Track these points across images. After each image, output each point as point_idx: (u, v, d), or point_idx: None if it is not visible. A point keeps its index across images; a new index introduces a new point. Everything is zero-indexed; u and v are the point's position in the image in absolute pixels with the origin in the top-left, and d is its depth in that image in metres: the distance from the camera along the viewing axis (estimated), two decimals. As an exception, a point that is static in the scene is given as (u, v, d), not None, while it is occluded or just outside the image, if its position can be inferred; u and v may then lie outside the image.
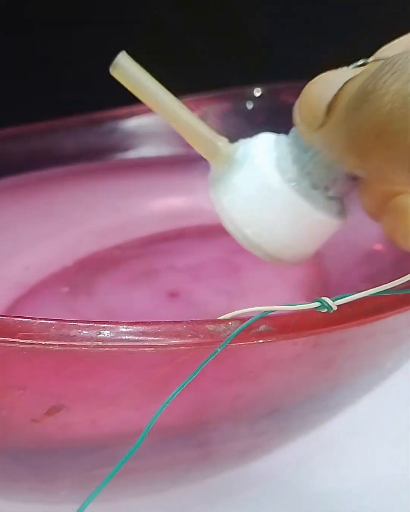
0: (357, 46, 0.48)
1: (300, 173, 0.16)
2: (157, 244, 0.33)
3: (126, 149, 0.40)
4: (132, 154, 0.40)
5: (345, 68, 0.14)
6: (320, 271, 0.29)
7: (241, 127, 0.40)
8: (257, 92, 0.40)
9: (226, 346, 0.16)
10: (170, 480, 0.24)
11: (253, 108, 0.40)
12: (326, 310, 0.15)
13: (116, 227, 0.34)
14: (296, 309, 0.15)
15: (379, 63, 0.12)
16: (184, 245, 0.33)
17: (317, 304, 0.15)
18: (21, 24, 0.46)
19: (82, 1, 0.45)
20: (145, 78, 0.18)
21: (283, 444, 0.26)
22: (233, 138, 0.41)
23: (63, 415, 0.17)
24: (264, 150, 0.17)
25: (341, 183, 0.16)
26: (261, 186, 0.17)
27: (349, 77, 0.13)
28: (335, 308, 0.15)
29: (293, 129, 0.17)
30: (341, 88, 0.13)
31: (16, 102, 0.44)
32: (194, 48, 0.47)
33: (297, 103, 0.15)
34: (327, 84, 0.14)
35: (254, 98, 0.40)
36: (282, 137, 0.18)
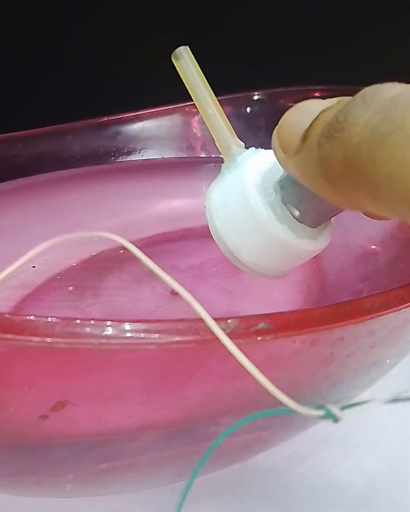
0: (355, 51, 0.48)
1: (275, 194, 0.17)
2: (161, 245, 0.33)
3: (131, 152, 0.40)
4: (136, 157, 0.40)
5: (323, 100, 0.15)
6: (318, 270, 0.29)
7: (241, 130, 0.41)
8: (257, 97, 0.40)
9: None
10: (174, 474, 0.24)
11: (252, 112, 0.40)
12: (331, 419, 0.14)
13: (121, 228, 0.35)
14: (298, 411, 0.15)
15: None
16: (187, 246, 0.33)
17: (321, 412, 0.15)
18: (28, 33, 0.47)
19: (88, 9, 0.46)
20: (196, 72, 0.20)
21: (285, 439, 0.26)
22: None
23: (68, 411, 0.18)
24: (258, 163, 0.17)
25: (308, 206, 0.16)
26: (237, 186, 0.17)
27: (325, 107, 0.14)
28: (341, 418, 0.14)
29: None
30: (316, 117, 0.14)
31: (25, 107, 0.45)
32: (197, 53, 0.47)
33: (275, 130, 0.16)
34: (304, 113, 0.14)
35: (253, 103, 0.40)
36: None
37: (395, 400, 0.14)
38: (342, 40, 0.47)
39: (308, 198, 0.16)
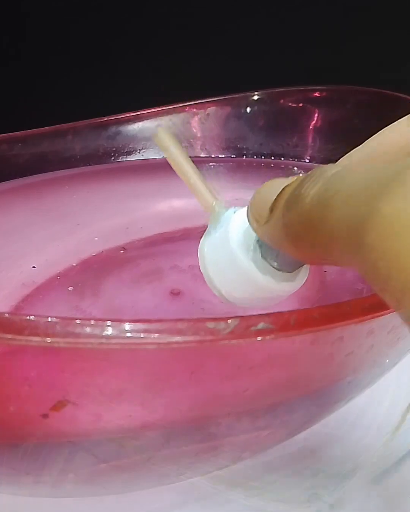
0: (355, 51, 0.48)
1: (255, 251, 0.19)
2: (161, 245, 0.33)
3: (131, 152, 0.41)
4: (136, 157, 0.40)
5: (286, 178, 0.17)
6: (318, 270, 0.29)
7: (241, 130, 0.41)
8: (257, 97, 0.40)
9: (227, 343, 0.16)
10: (175, 474, 0.24)
11: (252, 112, 0.40)
12: None
13: (121, 228, 0.35)
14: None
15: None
16: (188, 246, 0.33)
17: None
18: (29, 33, 0.47)
19: (88, 9, 0.46)
20: (178, 150, 0.23)
21: (285, 438, 0.26)
22: (233, 141, 0.42)
23: (68, 410, 0.18)
24: (238, 222, 0.20)
25: (284, 260, 0.19)
26: (223, 246, 0.20)
27: (286, 184, 0.16)
28: None
29: None
30: (279, 192, 0.16)
31: (25, 107, 0.45)
32: (197, 53, 0.47)
33: (249, 203, 0.18)
34: (271, 189, 0.17)
35: (253, 103, 0.40)
36: None
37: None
38: (342, 40, 0.47)
39: (282, 253, 0.19)
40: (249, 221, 0.18)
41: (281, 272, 0.19)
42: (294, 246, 0.16)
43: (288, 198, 0.16)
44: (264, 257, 0.19)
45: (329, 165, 0.16)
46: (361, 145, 0.20)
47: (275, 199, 0.16)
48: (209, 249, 0.21)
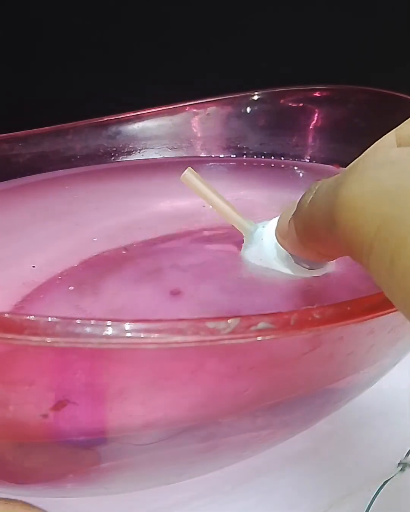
0: (355, 51, 0.48)
1: (288, 259, 0.24)
2: (162, 244, 0.33)
3: (131, 152, 0.41)
4: (136, 157, 0.40)
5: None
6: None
7: (242, 130, 0.41)
8: (257, 97, 0.40)
9: (227, 343, 0.16)
10: (175, 473, 0.24)
11: (252, 112, 0.40)
12: None
13: (122, 227, 0.35)
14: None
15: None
16: (188, 245, 0.33)
17: None
18: (29, 33, 0.47)
19: (89, 9, 0.46)
20: (205, 185, 0.27)
21: (286, 438, 0.26)
22: (234, 141, 0.42)
23: (68, 410, 0.18)
24: (269, 234, 0.25)
25: (312, 264, 0.24)
26: (264, 259, 0.25)
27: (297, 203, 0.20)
28: None
29: None
30: (296, 206, 0.20)
31: (25, 107, 0.45)
32: (198, 53, 0.47)
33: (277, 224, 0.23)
34: (290, 209, 0.21)
35: (253, 103, 0.40)
36: None
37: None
38: (342, 40, 0.47)
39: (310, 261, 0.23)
40: (276, 238, 0.23)
41: (312, 269, 0.24)
42: (307, 248, 0.20)
43: (295, 209, 0.19)
44: (296, 262, 0.24)
45: (322, 180, 0.18)
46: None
47: (292, 216, 0.20)
48: (249, 257, 0.26)
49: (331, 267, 0.25)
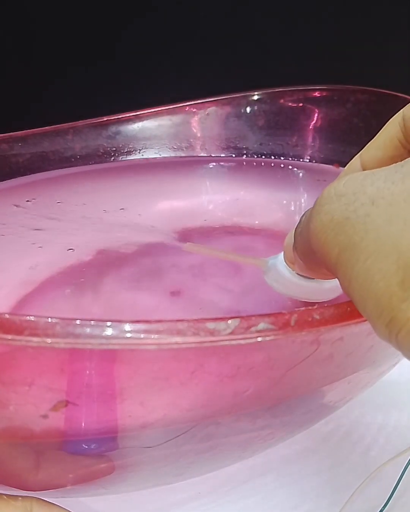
0: (355, 51, 0.48)
1: (304, 278, 0.25)
2: (161, 244, 0.33)
3: (131, 152, 0.41)
4: (136, 157, 0.40)
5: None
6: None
7: (241, 130, 0.41)
8: (257, 97, 0.40)
9: (226, 343, 0.16)
10: (175, 473, 0.24)
11: (252, 112, 0.40)
12: None
13: (122, 227, 0.35)
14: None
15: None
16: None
17: None
18: (29, 33, 0.47)
19: (88, 9, 0.46)
20: (205, 249, 0.28)
21: (286, 438, 0.26)
22: (233, 140, 0.42)
23: (68, 410, 0.18)
24: (282, 267, 0.26)
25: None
26: (282, 279, 0.26)
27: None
28: None
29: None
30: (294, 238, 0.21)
31: (25, 107, 0.45)
32: (198, 53, 0.47)
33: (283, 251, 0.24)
34: (289, 237, 0.22)
35: (253, 103, 0.40)
36: None
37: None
38: (342, 40, 0.47)
39: None
40: (286, 264, 0.25)
41: (326, 284, 0.25)
42: (314, 272, 0.21)
43: (294, 241, 0.21)
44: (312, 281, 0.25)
45: (316, 201, 0.19)
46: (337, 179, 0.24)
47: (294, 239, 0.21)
48: (271, 281, 0.27)
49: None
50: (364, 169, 0.22)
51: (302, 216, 0.20)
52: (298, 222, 0.20)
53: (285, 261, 0.25)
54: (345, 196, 0.16)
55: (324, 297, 0.27)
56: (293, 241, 0.21)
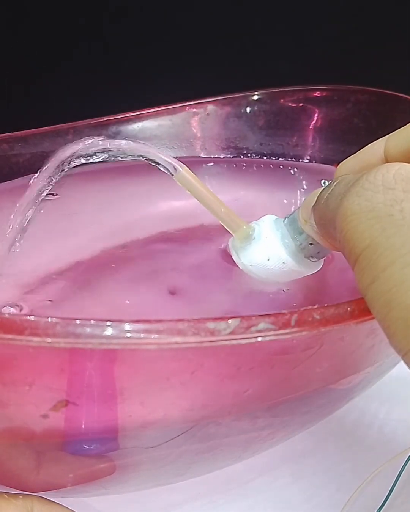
0: (355, 51, 0.48)
1: (297, 249, 0.24)
2: (161, 244, 0.33)
3: (131, 151, 0.40)
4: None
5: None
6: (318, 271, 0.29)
7: (241, 130, 0.41)
8: (257, 97, 0.40)
9: (227, 343, 0.16)
10: (175, 473, 0.24)
11: (252, 112, 0.40)
12: None
13: (121, 227, 0.35)
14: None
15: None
16: (187, 245, 0.33)
17: None
18: (29, 32, 0.47)
19: (88, 8, 0.46)
20: (197, 182, 0.26)
21: (286, 438, 0.26)
22: (233, 141, 0.42)
23: (68, 410, 0.18)
24: (271, 230, 0.25)
25: (322, 254, 0.24)
26: (273, 257, 0.24)
27: (320, 191, 0.20)
28: None
29: (290, 216, 0.24)
30: (317, 195, 0.20)
31: (25, 107, 0.45)
32: (198, 53, 0.47)
33: (300, 208, 0.24)
34: (313, 196, 0.21)
35: (253, 103, 0.40)
36: (279, 219, 0.25)
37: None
38: (342, 40, 0.47)
39: (322, 251, 0.24)
40: (298, 221, 0.23)
41: (313, 262, 0.25)
42: (320, 235, 0.22)
43: (315, 201, 0.20)
44: (306, 256, 0.24)
45: (337, 179, 0.20)
46: (353, 155, 0.24)
47: (314, 202, 0.21)
48: (251, 259, 0.25)
49: (320, 263, 0.26)
50: (386, 156, 0.22)
51: (334, 180, 0.19)
52: (330, 183, 0.20)
53: (298, 217, 0.23)
54: (394, 191, 0.15)
55: (285, 278, 0.25)
56: (314, 201, 0.20)
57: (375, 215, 0.15)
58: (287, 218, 0.25)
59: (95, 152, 0.27)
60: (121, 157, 0.27)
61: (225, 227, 0.26)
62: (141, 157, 0.27)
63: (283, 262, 0.24)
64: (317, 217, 0.20)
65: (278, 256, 0.24)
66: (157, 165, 0.26)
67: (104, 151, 0.27)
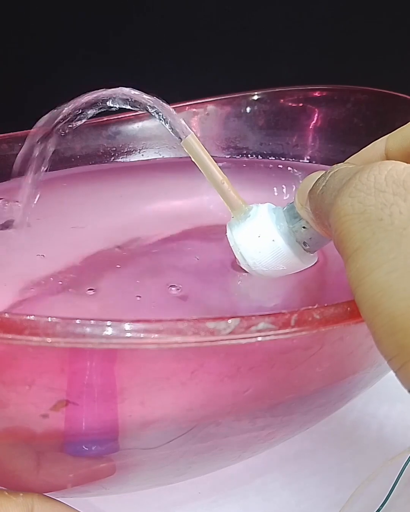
0: (355, 51, 0.48)
1: (290, 231, 0.24)
2: (161, 244, 0.33)
3: (131, 152, 0.41)
4: (136, 157, 0.40)
5: (320, 172, 0.21)
6: (317, 271, 0.29)
7: (241, 130, 0.41)
8: (257, 97, 0.40)
9: (227, 343, 0.16)
10: (175, 473, 0.24)
11: (252, 112, 0.40)
12: None
13: (122, 226, 0.35)
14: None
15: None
16: (187, 245, 0.33)
17: None
18: (29, 32, 0.47)
19: (88, 8, 0.46)
20: (203, 152, 0.27)
21: (286, 438, 0.26)
22: (233, 140, 0.42)
23: (68, 410, 0.18)
24: (268, 211, 0.25)
25: (314, 241, 0.24)
26: (263, 234, 0.24)
27: (318, 177, 0.20)
28: None
29: (289, 204, 0.25)
30: (313, 184, 0.20)
31: (25, 107, 0.45)
32: (198, 53, 0.47)
33: (296, 191, 0.24)
34: (310, 180, 0.22)
35: (253, 103, 0.40)
36: (279, 207, 0.26)
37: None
38: (342, 40, 0.47)
39: (314, 237, 0.24)
40: (295, 204, 0.24)
41: (306, 252, 0.24)
42: (315, 223, 0.22)
43: (311, 188, 0.20)
44: (298, 241, 0.24)
45: (334, 167, 0.20)
46: (355, 154, 0.24)
47: (311, 188, 0.21)
48: (243, 235, 0.25)
49: (315, 256, 0.26)
50: (387, 155, 0.22)
51: (331, 168, 0.19)
52: (326, 172, 0.20)
53: (296, 202, 0.23)
54: (384, 193, 0.15)
55: (276, 265, 0.25)
56: (311, 185, 0.20)
57: (366, 218, 0.15)
58: (286, 205, 0.25)
59: (118, 99, 0.27)
60: (138, 108, 0.27)
61: (224, 202, 0.26)
62: (156, 113, 0.27)
63: (273, 240, 0.24)
64: (313, 207, 0.20)
65: (268, 234, 0.24)
66: (168, 126, 0.27)
67: (126, 101, 0.27)
